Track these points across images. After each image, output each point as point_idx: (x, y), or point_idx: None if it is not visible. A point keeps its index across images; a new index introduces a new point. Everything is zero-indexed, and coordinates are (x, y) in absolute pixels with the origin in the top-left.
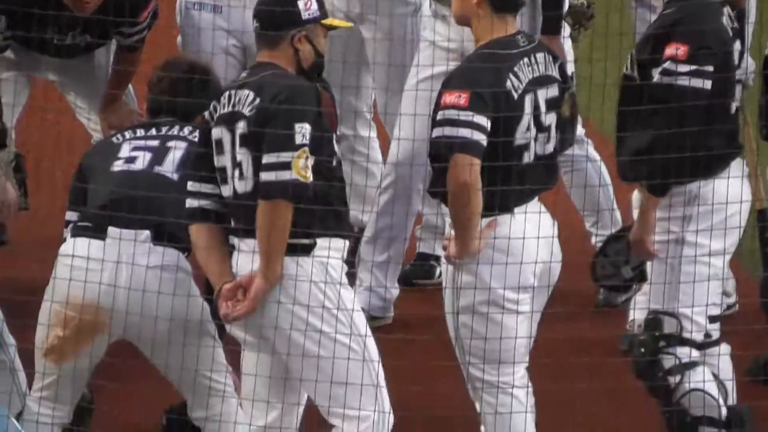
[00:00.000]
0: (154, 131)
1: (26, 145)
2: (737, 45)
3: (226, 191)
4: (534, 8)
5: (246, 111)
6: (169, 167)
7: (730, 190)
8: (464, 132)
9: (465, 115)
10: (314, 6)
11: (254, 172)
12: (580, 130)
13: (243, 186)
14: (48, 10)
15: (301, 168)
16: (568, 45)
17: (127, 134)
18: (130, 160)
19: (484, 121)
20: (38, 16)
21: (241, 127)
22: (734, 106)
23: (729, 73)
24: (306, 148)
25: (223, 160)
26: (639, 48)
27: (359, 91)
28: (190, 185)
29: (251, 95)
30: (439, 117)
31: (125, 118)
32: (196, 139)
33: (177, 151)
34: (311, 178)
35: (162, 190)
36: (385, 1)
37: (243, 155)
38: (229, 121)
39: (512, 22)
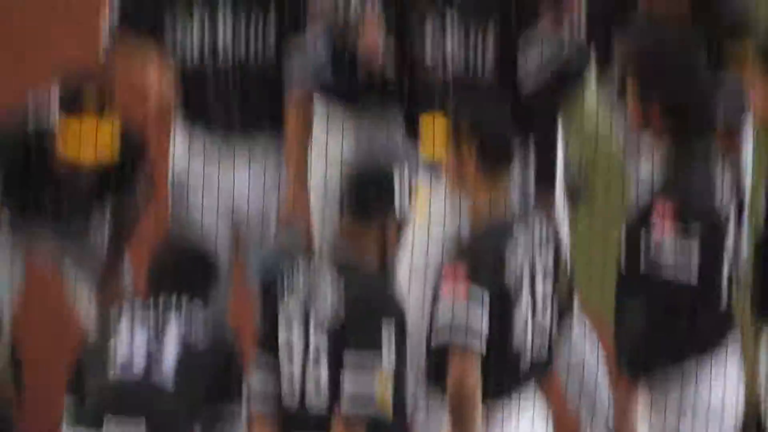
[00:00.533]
0: (152, 310)
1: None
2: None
3: None
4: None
5: None
6: (167, 372)
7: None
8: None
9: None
10: None
11: None
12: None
13: None
14: (44, 172)
15: None
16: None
17: (123, 321)
18: (125, 367)
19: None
20: (34, 179)
21: None
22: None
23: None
24: None
25: None
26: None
27: None
28: None
29: None
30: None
31: (119, 295)
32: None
33: (174, 345)
34: None
35: (158, 402)
36: None
37: None
38: None
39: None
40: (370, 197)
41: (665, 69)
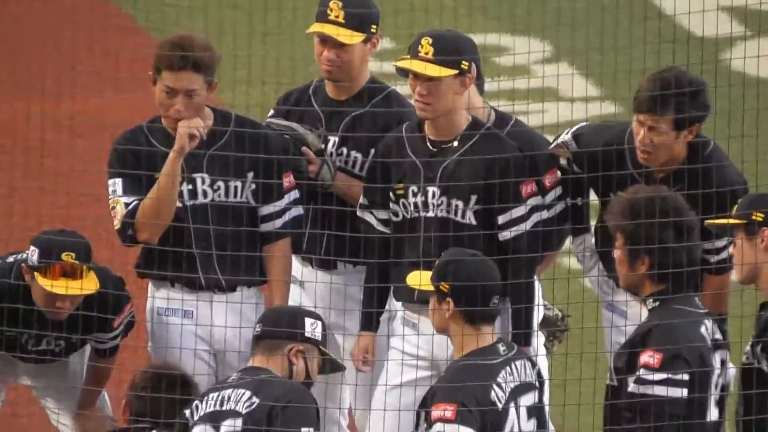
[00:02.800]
0: None
1: None
2: (719, 355)
3: None
4: (505, 315)
5: (242, 409)
6: None
7: None
8: None
9: (452, 429)
10: (319, 329)
11: None
12: None
13: None
14: (22, 315)
15: None
16: (542, 357)
17: None
18: None
19: None
20: (14, 321)
21: (228, 424)
22: (713, 416)
23: (706, 384)
24: None
25: None
26: (616, 356)
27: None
28: None
29: (247, 394)
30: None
31: (100, 425)
32: None
33: None
34: None
35: None
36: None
37: None
38: (215, 418)
39: (490, 330)
40: None
41: (653, 224)
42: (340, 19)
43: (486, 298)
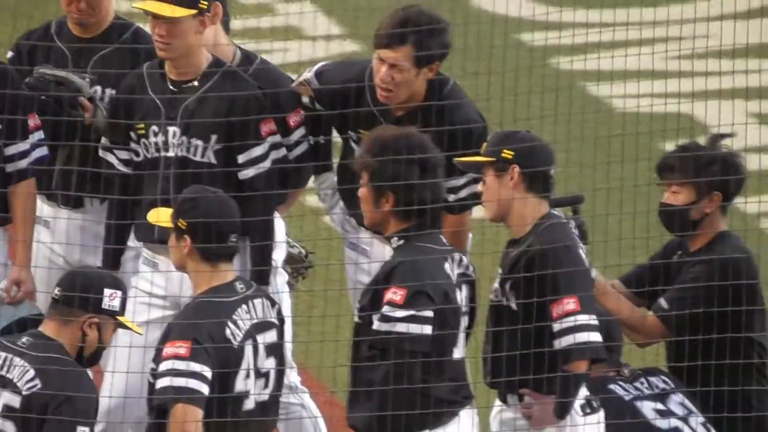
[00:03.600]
0: None
1: None
2: (464, 292)
3: None
4: (244, 254)
5: (23, 387)
6: None
7: None
8: (185, 381)
9: (186, 365)
10: (118, 299)
11: None
12: (295, 377)
13: None
14: None
15: None
16: (285, 294)
17: None
18: None
19: (206, 371)
20: None
21: (6, 398)
22: (458, 353)
23: (452, 322)
24: None
25: None
26: (361, 294)
27: None
28: None
29: (31, 373)
30: (161, 367)
31: None
32: None
33: None
34: None
35: None
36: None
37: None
38: None
39: (228, 268)
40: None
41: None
42: None
43: (223, 235)
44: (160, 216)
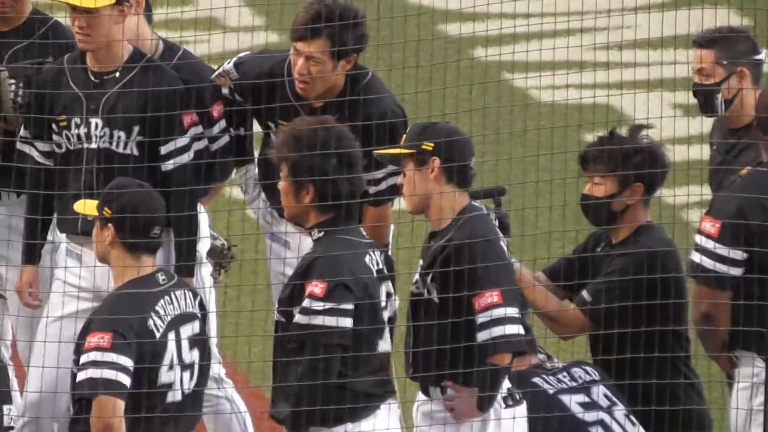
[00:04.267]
0: None
1: None
2: (384, 287)
3: None
4: (168, 247)
5: None
6: None
7: None
8: (108, 373)
9: (108, 357)
10: None
11: None
12: (219, 370)
13: None
14: None
15: None
16: (208, 285)
17: None
18: None
19: (128, 363)
20: None
21: None
22: (382, 346)
23: (372, 315)
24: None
25: None
26: (282, 287)
27: None
28: None
29: None
30: (82, 359)
31: None
32: None
33: None
34: None
35: None
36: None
37: None
38: None
39: (150, 260)
40: None
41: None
42: None
43: (147, 227)
44: (88, 207)
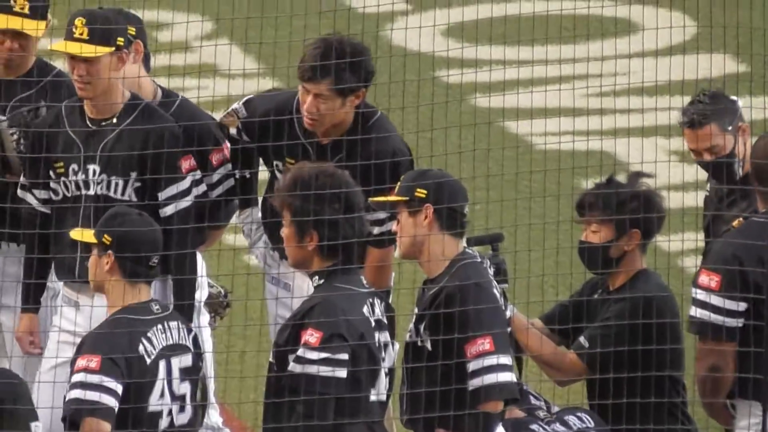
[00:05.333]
0: None
1: None
2: (382, 336)
3: None
4: (165, 284)
5: None
6: None
7: None
8: (94, 396)
9: (95, 379)
10: None
11: None
12: (217, 418)
13: None
14: None
15: None
16: (207, 333)
17: None
18: None
19: (116, 386)
20: None
21: None
22: (376, 397)
23: (368, 364)
24: None
25: None
26: (279, 331)
27: None
28: None
29: None
30: (71, 380)
31: None
32: None
33: None
34: None
35: None
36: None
37: None
38: None
39: (146, 290)
40: None
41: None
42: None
43: (147, 255)
44: (84, 234)
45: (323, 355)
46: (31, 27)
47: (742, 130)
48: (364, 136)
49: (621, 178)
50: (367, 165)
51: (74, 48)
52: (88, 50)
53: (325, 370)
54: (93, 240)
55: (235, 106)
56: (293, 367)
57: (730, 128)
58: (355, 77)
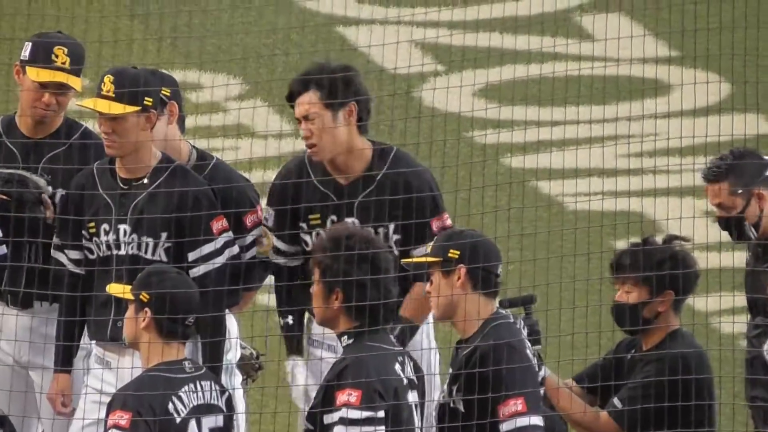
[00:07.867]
0: None
1: None
2: (412, 396)
3: None
4: (196, 351)
5: None
6: None
7: None
8: None
9: None
10: None
11: None
12: None
13: None
14: None
15: None
16: (239, 394)
17: None
18: None
19: None
20: None
21: None
22: None
23: (399, 419)
24: None
25: None
26: (315, 398)
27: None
28: None
29: None
30: None
31: None
32: None
33: None
34: None
35: None
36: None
37: None
38: None
39: (180, 349)
40: None
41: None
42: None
43: (184, 314)
44: (123, 290)
45: (365, 414)
46: (75, 82)
47: (758, 195)
48: (396, 170)
49: (657, 239)
50: (403, 199)
51: (98, 105)
52: (117, 108)
53: (368, 430)
54: (130, 297)
55: (264, 228)
56: (339, 430)
57: (740, 191)
58: (336, 88)
